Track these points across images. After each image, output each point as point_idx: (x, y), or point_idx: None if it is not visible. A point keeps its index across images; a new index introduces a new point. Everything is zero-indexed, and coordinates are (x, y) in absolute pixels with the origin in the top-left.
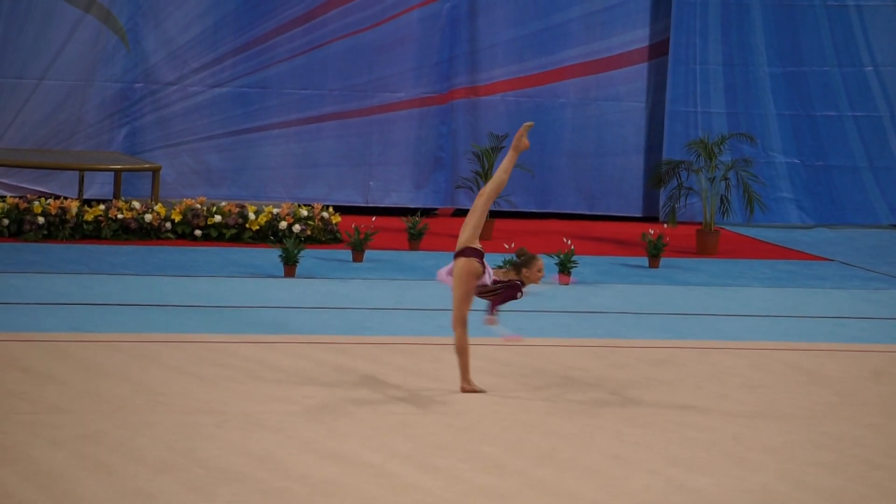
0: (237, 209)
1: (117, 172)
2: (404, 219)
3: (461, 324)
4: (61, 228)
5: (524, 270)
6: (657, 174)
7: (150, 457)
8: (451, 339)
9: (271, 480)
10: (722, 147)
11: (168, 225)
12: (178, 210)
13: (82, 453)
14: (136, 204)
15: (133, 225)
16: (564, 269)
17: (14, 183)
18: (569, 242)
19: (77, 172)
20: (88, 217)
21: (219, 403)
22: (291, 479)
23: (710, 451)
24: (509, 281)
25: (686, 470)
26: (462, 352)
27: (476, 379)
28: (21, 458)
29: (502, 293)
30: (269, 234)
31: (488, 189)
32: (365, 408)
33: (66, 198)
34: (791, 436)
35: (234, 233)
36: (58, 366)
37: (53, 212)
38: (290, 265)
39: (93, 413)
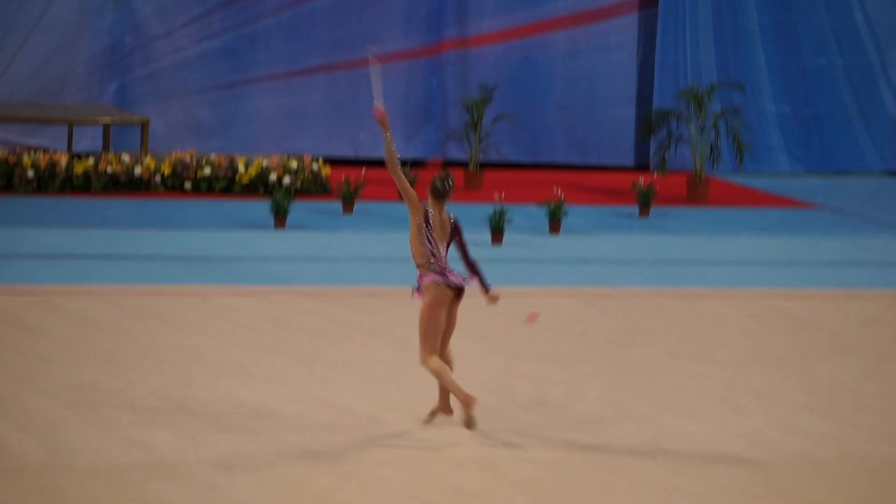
0: (227, 162)
1: (107, 126)
2: None
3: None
4: (51, 182)
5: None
6: (647, 124)
7: (142, 406)
8: None
9: (264, 430)
10: (711, 96)
11: (158, 178)
12: (167, 163)
13: (75, 403)
14: (126, 157)
15: (123, 178)
16: (554, 218)
17: (3, 136)
18: (559, 192)
19: (67, 126)
20: (78, 170)
21: (211, 354)
22: (284, 428)
23: (702, 397)
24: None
25: (677, 416)
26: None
27: (466, 325)
28: (15, 409)
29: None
30: (258, 187)
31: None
32: (356, 357)
33: (55, 151)
34: (782, 381)
35: (224, 185)
36: (50, 318)
37: (43, 165)
38: (280, 217)
39: (85, 364)
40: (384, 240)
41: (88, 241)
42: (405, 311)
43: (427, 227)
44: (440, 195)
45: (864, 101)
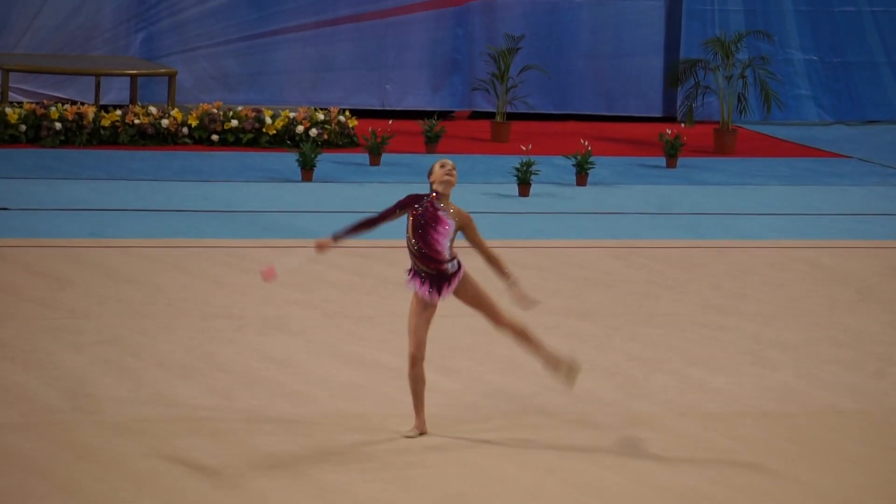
0: (254, 114)
1: (134, 78)
2: (421, 122)
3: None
4: (78, 134)
5: (429, 177)
6: (674, 73)
7: (170, 361)
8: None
9: (292, 384)
10: (739, 45)
11: (185, 130)
12: (194, 115)
13: (104, 358)
14: (153, 109)
15: (150, 130)
16: (582, 170)
17: (31, 89)
18: (586, 143)
19: (94, 78)
20: (105, 123)
21: (238, 308)
22: (311, 382)
23: (729, 350)
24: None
25: (704, 369)
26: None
27: (493, 278)
28: (44, 364)
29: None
30: (285, 139)
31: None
32: (383, 311)
33: (82, 103)
34: (810, 333)
35: (251, 137)
36: (77, 271)
37: (70, 117)
38: (307, 169)
39: (113, 318)
40: (411, 191)
41: (115, 193)
42: None
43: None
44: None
45: (892, 48)
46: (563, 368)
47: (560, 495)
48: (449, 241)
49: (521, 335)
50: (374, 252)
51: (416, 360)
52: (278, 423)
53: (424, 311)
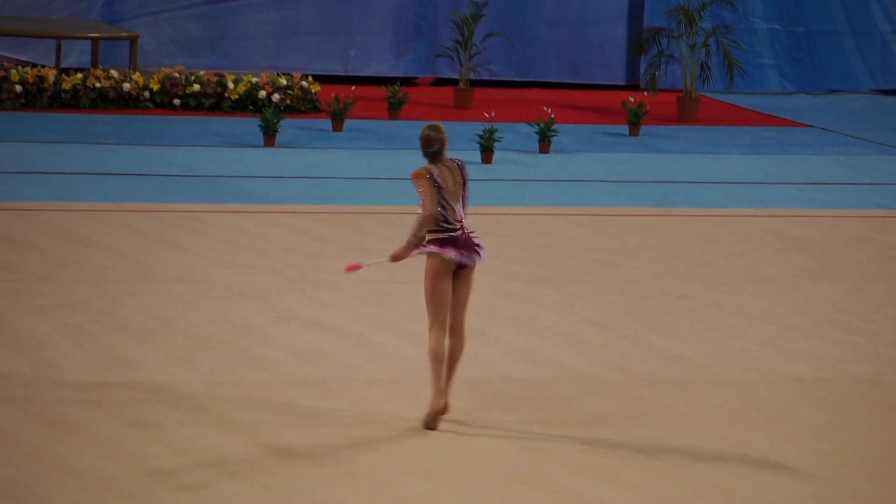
0: (216, 78)
1: (95, 41)
2: (384, 88)
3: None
4: (39, 97)
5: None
6: (638, 42)
7: (131, 325)
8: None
9: (253, 349)
10: (702, 13)
11: (146, 94)
12: (156, 79)
13: (64, 322)
14: (115, 73)
15: (111, 94)
16: (545, 137)
17: None
18: (549, 111)
19: (54, 41)
20: (66, 86)
21: (199, 273)
22: (273, 347)
23: (690, 317)
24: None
25: (666, 336)
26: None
27: None
28: (4, 327)
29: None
30: (248, 104)
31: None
32: (345, 277)
33: (43, 66)
34: (771, 301)
35: (213, 102)
36: (38, 235)
37: (31, 80)
38: (269, 135)
39: (74, 282)
40: (374, 157)
41: (77, 157)
42: (394, 229)
43: (439, 190)
44: (432, 151)
45: (854, 18)
46: (437, 409)
47: (517, 461)
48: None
49: (456, 354)
50: (336, 218)
51: (440, 331)
52: (239, 388)
53: (445, 277)
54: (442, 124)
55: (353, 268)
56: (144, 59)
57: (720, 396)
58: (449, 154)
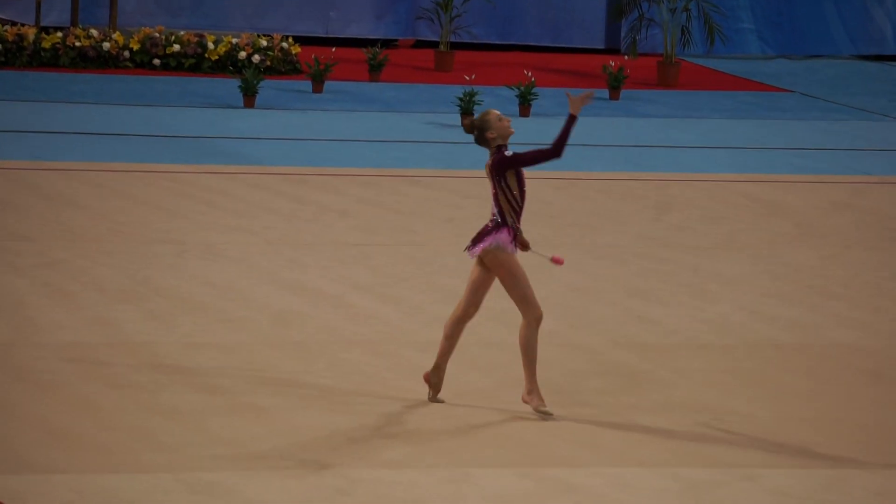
0: (196, 39)
1: None
2: (364, 50)
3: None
4: (18, 55)
5: (488, 133)
6: (618, 5)
7: (110, 286)
8: (410, 170)
9: (232, 310)
10: None
11: (126, 54)
12: (136, 39)
13: (43, 281)
14: (94, 32)
15: (91, 53)
16: (525, 100)
17: None
18: (529, 74)
19: None
20: (46, 44)
21: (178, 233)
22: (252, 308)
23: (669, 282)
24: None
25: (644, 301)
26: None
27: (434, 209)
28: None
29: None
30: (228, 65)
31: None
32: (325, 238)
33: (23, 24)
34: (749, 266)
35: (193, 62)
36: (17, 194)
37: (10, 39)
38: (249, 96)
39: (53, 241)
40: (354, 119)
41: (56, 116)
42: (374, 192)
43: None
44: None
45: None
46: (433, 383)
47: (493, 424)
48: None
49: (454, 335)
50: (314, 179)
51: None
52: (217, 349)
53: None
54: (420, 87)
55: (558, 261)
56: (124, 19)
57: (699, 361)
58: (424, 119)
